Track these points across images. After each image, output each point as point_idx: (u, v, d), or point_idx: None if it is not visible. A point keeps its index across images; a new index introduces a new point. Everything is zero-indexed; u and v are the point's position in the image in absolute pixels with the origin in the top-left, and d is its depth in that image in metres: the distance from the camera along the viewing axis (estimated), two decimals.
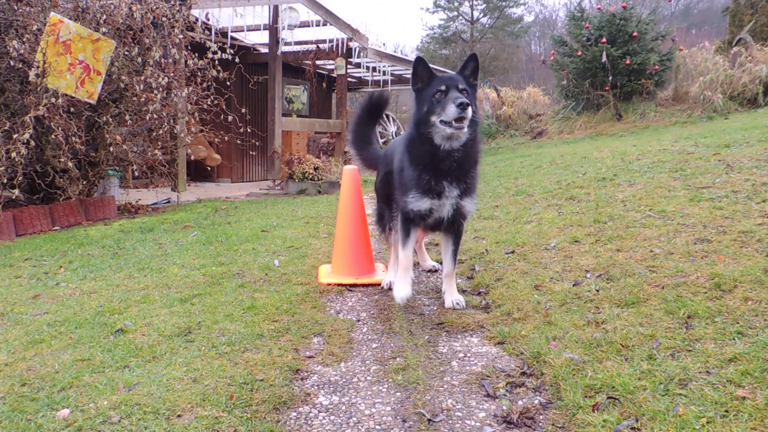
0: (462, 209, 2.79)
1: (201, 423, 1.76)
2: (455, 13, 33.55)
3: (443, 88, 2.62)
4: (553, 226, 3.97)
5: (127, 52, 6.29)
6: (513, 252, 3.62)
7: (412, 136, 2.76)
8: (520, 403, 1.89)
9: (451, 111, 2.53)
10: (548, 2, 57.85)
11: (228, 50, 7.26)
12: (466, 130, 2.61)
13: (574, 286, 2.79)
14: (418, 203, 2.75)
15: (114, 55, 6.08)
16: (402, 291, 2.82)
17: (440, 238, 3.06)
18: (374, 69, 13.86)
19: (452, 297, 2.96)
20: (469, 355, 2.32)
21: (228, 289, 3.20)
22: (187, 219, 6.00)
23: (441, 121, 2.59)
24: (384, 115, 14.05)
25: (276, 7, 9.52)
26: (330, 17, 9.79)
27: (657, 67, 12.07)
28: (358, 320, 2.78)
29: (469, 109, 2.52)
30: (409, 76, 17.00)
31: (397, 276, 2.91)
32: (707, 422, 1.57)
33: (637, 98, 12.45)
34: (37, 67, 5.41)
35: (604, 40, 12.18)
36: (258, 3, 9.33)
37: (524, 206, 4.88)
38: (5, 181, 5.16)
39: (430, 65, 2.75)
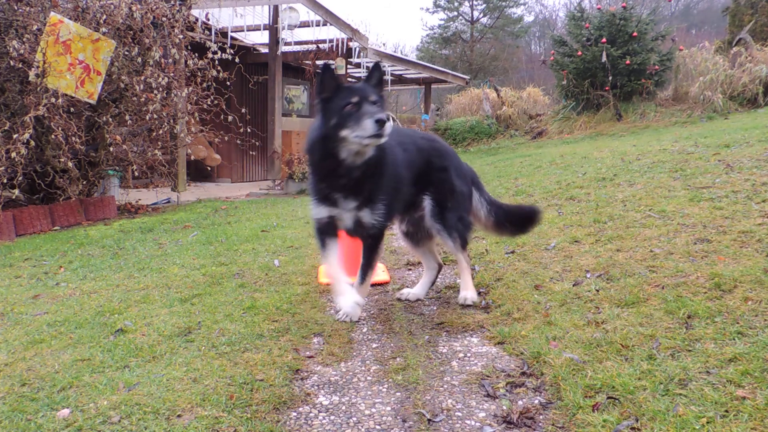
0: (361, 220, 2.64)
1: (201, 423, 1.76)
2: (455, 13, 33.53)
3: (355, 100, 2.41)
4: (553, 226, 3.97)
5: (127, 52, 6.29)
6: (513, 252, 3.62)
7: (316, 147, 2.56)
8: (520, 403, 1.89)
9: (369, 127, 2.32)
10: (548, 2, 57.90)
11: (228, 50, 7.27)
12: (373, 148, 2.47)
13: (574, 286, 2.79)
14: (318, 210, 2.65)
15: (114, 55, 6.08)
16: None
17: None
18: None
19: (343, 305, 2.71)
20: (469, 355, 2.32)
21: (228, 289, 3.20)
22: (187, 219, 5.99)
23: (356, 136, 2.38)
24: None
25: (276, 7, 9.51)
26: (330, 17, 9.78)
27: (657, 67, 12.08)
28: (358, 320, 2.78)
29: (388, 125, 2.32)
30: (410, 76, 16.95)
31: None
32: (707, 422, 1.57)
33: (637, 98, 12.45)
34: (37, 67, 5.41)
35: (604, 40, 12.18)
36: (258, 3, 9.33)
37: None
38: (5, 181, 5.16)
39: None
